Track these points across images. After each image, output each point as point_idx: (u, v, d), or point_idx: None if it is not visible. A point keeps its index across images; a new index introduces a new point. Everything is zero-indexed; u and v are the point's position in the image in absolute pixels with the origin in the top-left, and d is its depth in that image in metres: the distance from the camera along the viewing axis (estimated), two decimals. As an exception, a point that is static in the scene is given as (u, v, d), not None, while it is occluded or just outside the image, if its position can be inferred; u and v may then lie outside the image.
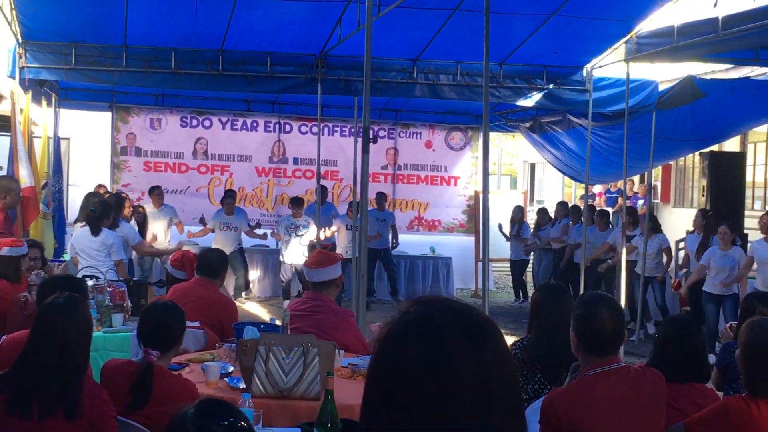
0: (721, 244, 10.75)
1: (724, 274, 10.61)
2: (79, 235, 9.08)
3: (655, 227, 12.24)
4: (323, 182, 14.34)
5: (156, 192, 13.44)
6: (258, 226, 14.43)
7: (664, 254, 12.16)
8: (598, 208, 15.39)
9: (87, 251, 8.81)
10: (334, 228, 14.05)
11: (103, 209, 9.18)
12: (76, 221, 10.11)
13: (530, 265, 15.77)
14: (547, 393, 3.80)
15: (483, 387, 1.44)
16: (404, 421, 1.44)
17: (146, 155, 15.60)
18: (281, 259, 13.87)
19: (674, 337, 4.53)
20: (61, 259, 8.42)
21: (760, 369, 3.92)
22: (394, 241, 14.78)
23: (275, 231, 14.36)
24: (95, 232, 8.85)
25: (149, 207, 13.17)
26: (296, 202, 13.81)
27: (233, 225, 13.60)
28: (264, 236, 14.46)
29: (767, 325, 4.02)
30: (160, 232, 13.11)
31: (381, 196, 14.85)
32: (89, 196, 10.30)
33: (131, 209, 12.20)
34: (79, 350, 3.89)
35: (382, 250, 14.45)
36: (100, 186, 13.61)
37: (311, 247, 12.95)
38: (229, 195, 14.10)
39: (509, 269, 15.98)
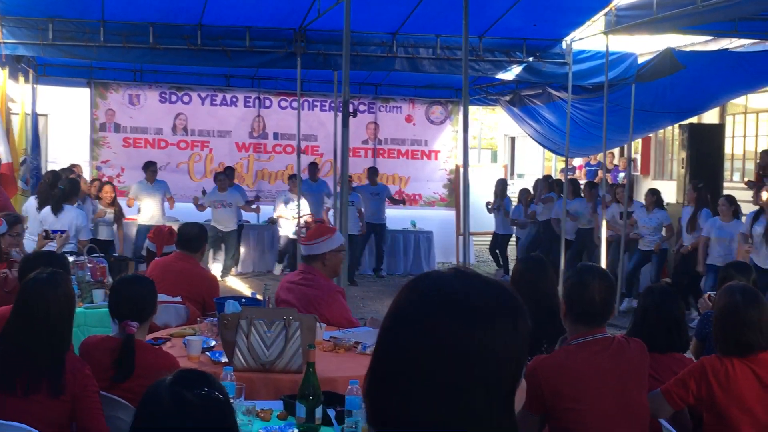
0: (721, 216, 10.72)
1: (724, 245, 10.54)
2: (45, 213, 9.09)
3: (658, 202, 12.13)
4: (305, 157, 14.38)
5: (151, 167, 13.44)
6: (257, 199, 14.78)
7: (664, 230, 12.05)
8: (584, 181, 15.42)
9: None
10: (328, 205, 14.10)
11: (72, 187, 9.17)
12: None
13: (513, 240, 15.77)
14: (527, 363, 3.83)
15: (490, 354, 1.46)
16: (413, 377, 1.45)
17: (125, 131, 15.51)
18: (279, 231, 14.24)
19: (653, 306, 4.58)
20: (63, 230, 8.37)
21: (730, 329, 4.03)
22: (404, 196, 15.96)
23: (275, 205, 14.58)
24: (57, 210, 8.91)
25: (142, 183, 13.29)
26: (294, 177, 13.85)
27: (227, 201, 13.56)
28: (257, 209, 14.53)
29: (737, 287, 4.15)
30: (156, 207, 13.16)
31: (373, 171, 14.94)
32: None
33: (97, 188, 12.13)
34: (63, 326, 3.89)
35: (378, 225, 14.61)
36: (74, 165, 13.45)
37: (303, 225, 13.02)
38: (223, 172, 14.08)
39: (490, 242, 15.95)
